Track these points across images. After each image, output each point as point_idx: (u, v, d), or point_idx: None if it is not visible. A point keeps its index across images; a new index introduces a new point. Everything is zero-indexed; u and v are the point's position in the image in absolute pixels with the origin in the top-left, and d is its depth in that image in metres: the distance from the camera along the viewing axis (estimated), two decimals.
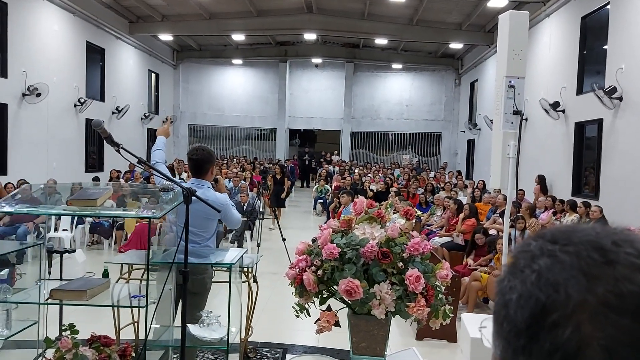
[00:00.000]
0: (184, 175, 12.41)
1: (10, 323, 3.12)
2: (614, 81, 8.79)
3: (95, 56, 14.97)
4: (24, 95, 11.39)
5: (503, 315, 0.51)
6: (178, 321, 3.11)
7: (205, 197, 3.31)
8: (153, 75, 19.60)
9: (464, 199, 10.86)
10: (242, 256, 3.69)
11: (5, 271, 3.17)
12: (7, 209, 2.88)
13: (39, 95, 11.46)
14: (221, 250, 3.59)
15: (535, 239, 0.54)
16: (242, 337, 4.15)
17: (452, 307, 2.74)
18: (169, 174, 3.56)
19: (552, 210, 9.08)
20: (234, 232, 9.29)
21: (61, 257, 4.28)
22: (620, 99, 8.74)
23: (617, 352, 0.44)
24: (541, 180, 11.38)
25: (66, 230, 8.44)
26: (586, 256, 0.48)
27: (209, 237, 3.56)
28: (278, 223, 8.37)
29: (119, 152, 2.57)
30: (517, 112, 3.81)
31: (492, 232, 7.50)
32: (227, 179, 12.88)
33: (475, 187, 12.72)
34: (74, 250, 6.21)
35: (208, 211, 3.17)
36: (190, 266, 3.25)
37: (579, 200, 8.73)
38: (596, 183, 9.71)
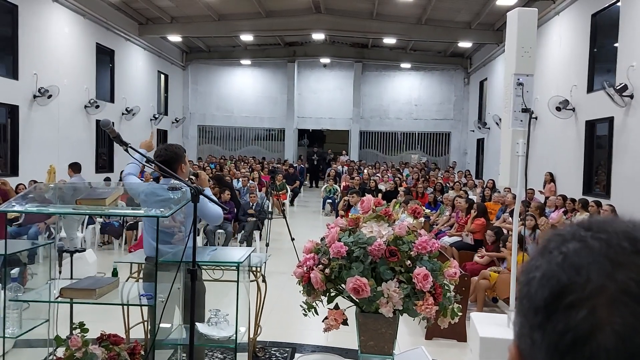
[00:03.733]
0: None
1: (22, 322, 3.15)
2: (624, 79, 8.70)
3: (105, 58, 15.08)
4: (35, 97, 11.50)
5: (525, 293, 0.52)
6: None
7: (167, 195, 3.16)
8: (162, 76, 19.71)
9: (473, 198, 10.80)
10: (250, 255, 3.70)
11: (16, 270, 3.20)
12: (17, 208, 2.91)
13: (49, 97, 11.57)
14: (229, 249, 3.59)
15: (571, 226, 0.54)
16: (251, 336, 4.16)
17: (460, 306, 2.73)
18: (134, 179, 3.53)
19: (562, 209, 9.00)
20: (242, 232, 9.32)
21: (71, 256, 4.32)
22: (631, 96, 8.65)
23: (631, 340, 0.44)
24: (552, 177, 11.31)
25: (77, 230, 8.50)
26: (616, 244, 0.48)
27: (185, 235, 3.35)
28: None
29: (127, 152, 2.59)
30: (526, 110, 3.79)
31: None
32: (236, 179, 12.92)
33: (485, 186, 12.66)
34: (84, 250, 6.26)
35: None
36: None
37: (590, 199, 8.65)
38: (607, 182, 9.62)
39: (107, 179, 12.60)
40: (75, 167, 8.78)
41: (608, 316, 0.45)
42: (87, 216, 8.48)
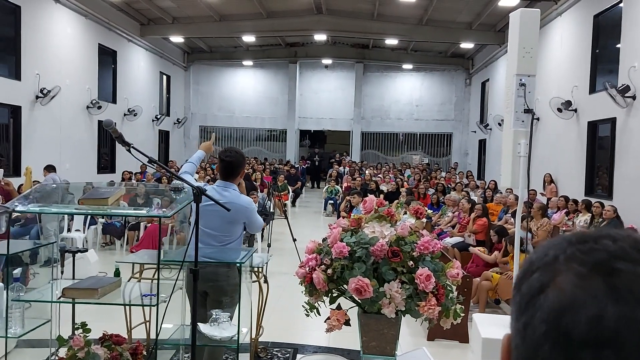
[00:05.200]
0: (196, 176, 12.45)
1: (24, 322, 3.15)
2: (626, 80, 8.69)
3: (107, 58, 15.11)
4: (37, 97, 11.53)
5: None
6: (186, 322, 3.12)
7: (232, 200, 3.27)
8: (164, 77, 19.74)
9: (475, 199, 10.79)
10: (252, 255, 3.70)
11: (18, 270, 3.20)
12: (20, 208, 2.91)
13: (52, 97, 11.59)
14: (232, 250, 3.58)
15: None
16: (253, 336, 4.16)
17: (462, 307, 2.73)
18: (192, 181, 3.50)
19: (564, 210, 8.99)
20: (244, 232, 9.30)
21: (73, 256, 4.33)
22: (634, 97, 8.64)
23: (572, 293, 0.53)
24: (552, 179, 11.31)
25: (79, 230, 8.52)
26: (579, 236, 0.58)
27: (231, 241, 3.43)
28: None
29: (130, 152, 2.59)
30: (527, 111, 3.78)
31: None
32: None
33: (486, 187, 12.64)
34: (86, 250, 6.27)
35: (231, 215, 3.04)
36: (212, 272, 3.25)
37: (592, 200, 8.64)
38: (609, 183, 9.60)
39: (112, 183, 12.60)
40: (49, 168, 9.40)
41: (555, 276, 0.55)
42: (89, 216, 8.49)
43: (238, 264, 3.27)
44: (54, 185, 3.58)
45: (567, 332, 0.52)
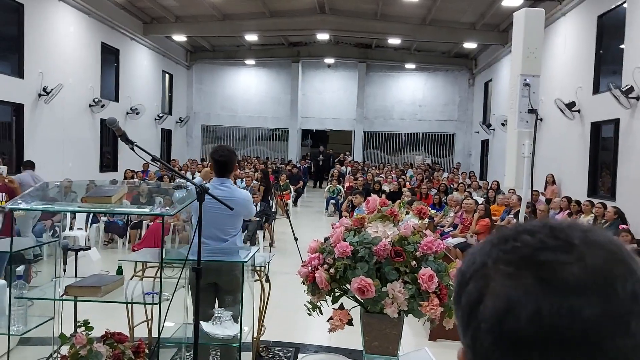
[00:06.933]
0: (197, 175, 12.46)
1: (27, 319, 3.16)
2: (630, 80, 8.66)
3: (109, 57, 15.12)
4: (40, 95, 11.54)
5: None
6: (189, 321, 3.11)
7: (231, 195, 3.49)
8: (167, 75, 19.75)
9: (477, 199, 10.77)
10: (254, 254, 3.70)
11: (21, 268, 3.21)
12: (23, 205, 2.91)
13: (55, 96, 11.60)
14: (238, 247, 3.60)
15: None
16: (255, 335, 4.15)
17: None
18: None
19: (567, 211, 8.97)
20: (246, 232, 9.31)
21: (76, 254, 4.33)
22: (637, 98, 8.61)
23: (506, 295, 0.53)
24: (554, 179, 11.28)
25: (81, 229, 8.53)
26: (501, 236, 0.58)
27: (235, 233, 3.63)
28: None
29: (133, 150, 2.59)
30: (532, 111, 3.77)
31: None
32: (240, 179, 12.93)
33: (489, 187, 12.62)
34: (89, 248, 6.27)
35: (236, 209, 3.30)
36: (223, 264, 3.39)
37: (595, 201, 8.62)
38: (612, 184, 9.58)
39: (114, 182, 12.62)
40: (27, 164, 8.81)
41: (488, 281, 0.55)
42: (92, 214, 8.50)
43: (240, 264, 3.28)
44: (57, 184, 3.58)
45: (512, 335, 0.52)
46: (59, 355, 3.17)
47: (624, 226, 7.47)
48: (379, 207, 2.72)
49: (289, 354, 4.58)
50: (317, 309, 2.67)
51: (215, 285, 3.48)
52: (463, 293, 0.58)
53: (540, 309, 0.51)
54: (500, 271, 0.54)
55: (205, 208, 2.83)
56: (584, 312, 0.50)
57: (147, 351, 3.20)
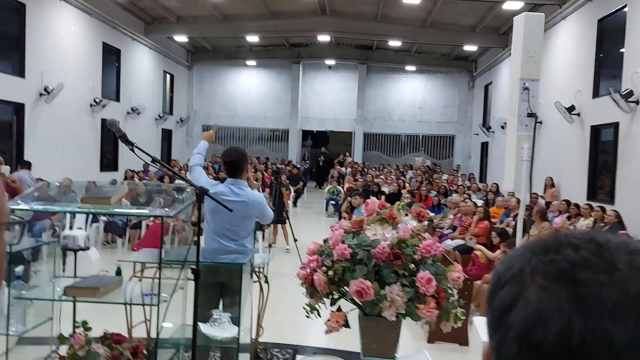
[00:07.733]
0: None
1: (25, 319, 3.16)
2: (630, 84, 8.67)
3: (111, 57, 15.13)
4: (41, 95, 11.55)
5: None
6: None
7: (246, 196, 3.52)
8: (168, 76, 19.76)
9: (477, 202, 10.78)
10: (253, 256, 3.70)
11: (20, 268, 3.21)
12: (23, 206, 2.92)
13: (55, 95, 11.61)
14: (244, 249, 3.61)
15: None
16: (253, 337, 4.16)
17: (464, 311, 2.73)
18: (204, 176, 3.66)
19: (566, 215, 8.97)
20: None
21: (75, 254, 4.34)
22: (637, 102, 8.62)
23: (538, 306, 0.53)
24: (552, 182, 11.29)
25: (81, 228, 8.53)
26: (543, 244, 0.58)
27: (246, 235, 3.63)
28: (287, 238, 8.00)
29: (133, 151, 2.60)
30: (531, 115, 3.78)
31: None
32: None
33: (488, 190, 12.62)
34: (88, 248, 6.28)
35: (246, 210, 3.38)
36: (227, 265, 3.43)
37: (594, 205, 8.62)
38: (612, 187, 9.58)
39: (114, 182, 12.63)
40: (23, 164, 9.09)
41: (522, 289, 0.55)
42: (91, 215, 8.49)
43: (239, 265, 3.28)
44: (57, 184, 3.59)
45: (538, 346, 0.51)
46: (58, 356, 3.18)
47: (623, 232, 7.48)
48: (378, 210, 2.73)
49: (287, 356, 4.59)
50: (316, 311, 2.68)
51: (222, 285, 3.50)
52: (497, 295, 0.57)
53: (572, 327, 0.50)
54: (537, 282, 0.54)
55: (219, 208, 2.88)
56: (616, 336, 0.49)
57: (145, 352, 3.21)
